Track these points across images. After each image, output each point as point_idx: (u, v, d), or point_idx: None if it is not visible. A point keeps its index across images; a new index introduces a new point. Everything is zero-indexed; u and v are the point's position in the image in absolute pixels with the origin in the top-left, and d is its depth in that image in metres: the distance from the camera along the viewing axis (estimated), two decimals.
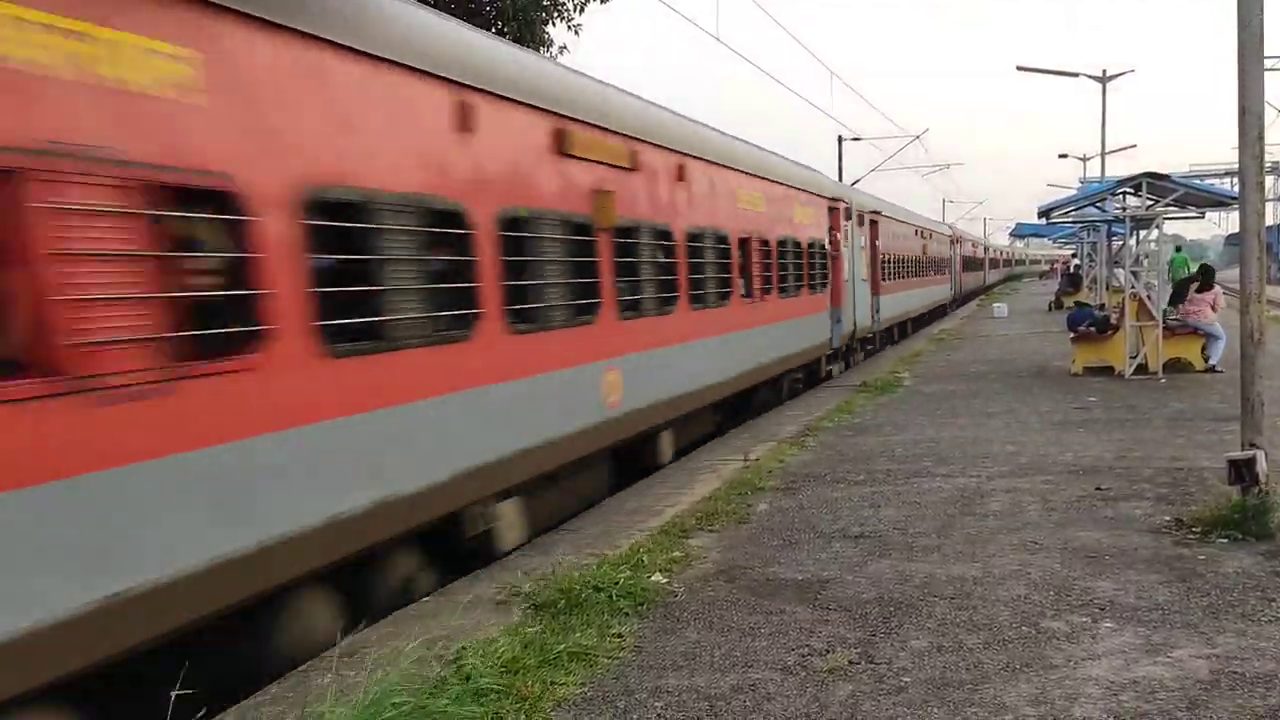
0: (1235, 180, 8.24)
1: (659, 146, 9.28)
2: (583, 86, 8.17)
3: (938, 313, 34.35)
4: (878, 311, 21.08)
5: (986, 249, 66.00)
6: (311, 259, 4.80)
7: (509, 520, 6.73)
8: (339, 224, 5.02)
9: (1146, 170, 13.80)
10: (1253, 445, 6.20)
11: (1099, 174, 30.20)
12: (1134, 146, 39.50)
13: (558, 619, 5.00)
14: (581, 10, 17.38)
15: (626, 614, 5.11)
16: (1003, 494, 7.43)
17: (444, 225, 5.87)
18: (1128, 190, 14.76)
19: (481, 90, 6.28)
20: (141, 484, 3.90)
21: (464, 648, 4.52)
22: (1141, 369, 13.96)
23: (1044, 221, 18.46)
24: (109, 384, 3.76)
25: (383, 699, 3.71)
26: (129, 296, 3.87)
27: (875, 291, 20.80)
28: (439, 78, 5.87)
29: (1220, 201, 15.11)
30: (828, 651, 4.54)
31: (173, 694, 3.49)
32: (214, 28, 4.33)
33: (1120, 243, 18.64)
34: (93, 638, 3.71)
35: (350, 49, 5.14)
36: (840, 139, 35.76)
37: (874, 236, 20.93)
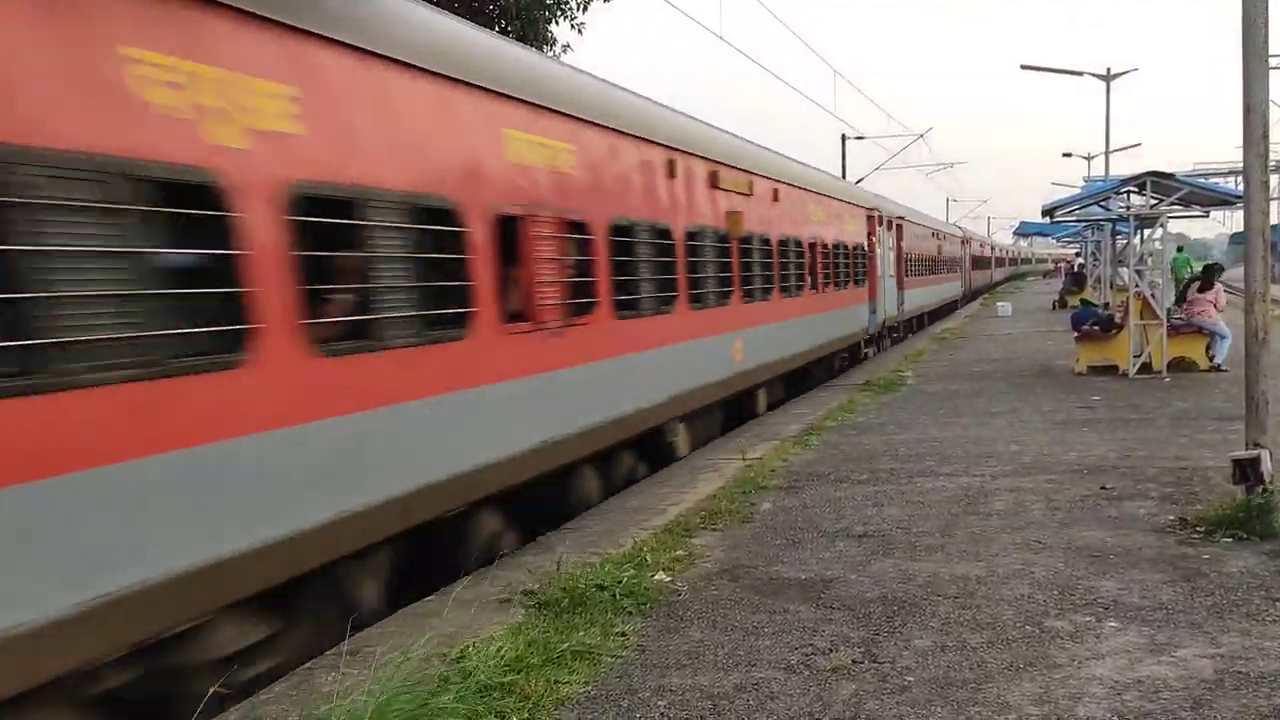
0: (1239, 179, 8.22)
1: (763, 176, 12.53)
2: (727, 141, 11.68)
3: (951, 306, 36.31)
4: (902, 304, 23.77)
5: (993, 248, 66.69)
6: (614, 262, 8.09)
7: (682, 437, 10.04)
8: (622, 239, 8.29)
9: (1151, 169, 13.78)
10: (1257, 444, 6.19)
11: (1103, 172, 30.11)
12: (1138, 145, 39.32)
13: (561, 618, 5.00)
14: (584, 8, 17.21)
15: (630, 613, 5.12)
16: (1006, 493, 7.42)
17: (659, 238, 9.14)
18: (1132, 189, 14.72)
19: (684, 151, 9.79)
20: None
21: (467, 646, 4.52)
22: (1145, 368, 13.91)
23: (1048, 220, 18.43)
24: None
25: (388, 702, 3.71)
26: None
27: (900, 286, 23.47)
28: (661, 145, 9.24)
29: (1224, 200, 15.05)
30: (831, 650, 4.53)
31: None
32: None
33: (1124, 241, 18.59)
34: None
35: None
36: (844, 138, 35.69)
37: (899, 239, 23.43)
